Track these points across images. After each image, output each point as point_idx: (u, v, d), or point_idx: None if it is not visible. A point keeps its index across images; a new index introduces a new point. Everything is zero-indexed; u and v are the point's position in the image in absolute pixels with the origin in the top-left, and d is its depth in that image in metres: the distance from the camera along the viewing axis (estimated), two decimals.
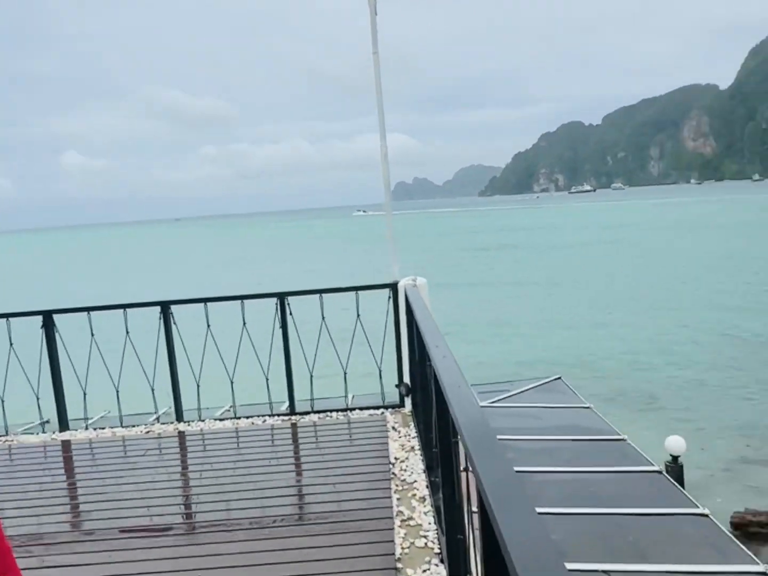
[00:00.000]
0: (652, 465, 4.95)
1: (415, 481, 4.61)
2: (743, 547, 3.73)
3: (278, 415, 6.69)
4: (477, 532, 1.87)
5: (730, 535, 3.93)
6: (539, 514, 1.37)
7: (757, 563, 3.54)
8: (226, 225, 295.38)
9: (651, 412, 18.27)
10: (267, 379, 6.81)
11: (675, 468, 7.90)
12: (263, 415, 6.65)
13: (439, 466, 3.28)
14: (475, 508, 1.86)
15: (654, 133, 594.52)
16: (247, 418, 6.63)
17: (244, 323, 6.63)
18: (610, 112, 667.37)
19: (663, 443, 8.06)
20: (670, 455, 8.06)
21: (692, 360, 23.65)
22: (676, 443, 8.03)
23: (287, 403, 6.81)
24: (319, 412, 6.60)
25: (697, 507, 4.22)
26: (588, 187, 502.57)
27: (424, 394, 4.35)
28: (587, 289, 40.82)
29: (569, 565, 1.22)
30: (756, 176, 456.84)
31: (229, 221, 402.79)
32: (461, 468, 2.70)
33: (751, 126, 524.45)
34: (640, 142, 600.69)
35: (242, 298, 6.71)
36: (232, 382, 6.88)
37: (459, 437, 2.15)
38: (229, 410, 6.99)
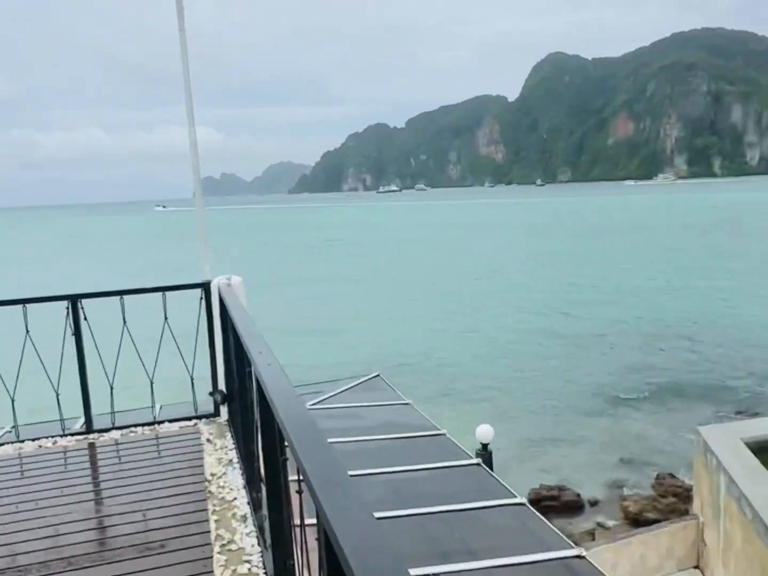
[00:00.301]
0: (471, 458, 5.04)
1: (235, 498, 4.21)
2: (560, 533, 3.87)
3: (72, 434, 5.82)
4: (309, 550, 1.74)
5: (547, 522, 4.06)
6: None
7: (574, 546, 3.69)
8: (5, 218, 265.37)
9: (463, 404, 19.32)
10: (57, 394, 5.89)
11: (485, 455, 8.26)
12: (53, 436, 5.75)
13: (264, 480, 2.97)
14: (308, 521, 1.76)
15: (452, 139, 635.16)
16: (33, 440, 5.67)
17: (27, 331, 5.71)
18: (413, 116, 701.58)
19: (475, 432, 8.45)
20: (480, 443, 8.41)
21: (495, 354, 25.46)
22: (485, 432, 8.40)
23: (83, 420, 5.94)
24: (121, 427, 5.87)
25: (515, 497, 4.33)
26: (394, 187, 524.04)
27: (244, 403, 3.99)
28: (401, 286, 42.38)
29: (412, 572, 1.09)
30: (539, 181, 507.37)
31: (9, 214, 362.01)
32: (290, 480, 2.45)
33: (534, 136, 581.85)
34: (441, 146, 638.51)
35: (25, 302, 5.78)
36: (12, 400, 5.85)
37: (288, 447, 1.96)
38: (10, 431, 5.97)
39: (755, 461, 8.42)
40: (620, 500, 14.18)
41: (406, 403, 6.38)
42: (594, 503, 14.24)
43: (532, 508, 4.24)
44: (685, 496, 14.10)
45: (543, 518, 4.12)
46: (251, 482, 4.07)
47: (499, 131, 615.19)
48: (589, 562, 3.60)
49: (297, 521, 2.15)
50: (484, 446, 8.29)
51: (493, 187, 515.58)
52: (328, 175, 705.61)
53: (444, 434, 5.52)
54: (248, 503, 4.08)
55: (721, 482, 8.46)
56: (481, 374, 22.40)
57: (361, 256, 61.56)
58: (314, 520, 1.49)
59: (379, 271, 49.50)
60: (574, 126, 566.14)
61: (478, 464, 4.90)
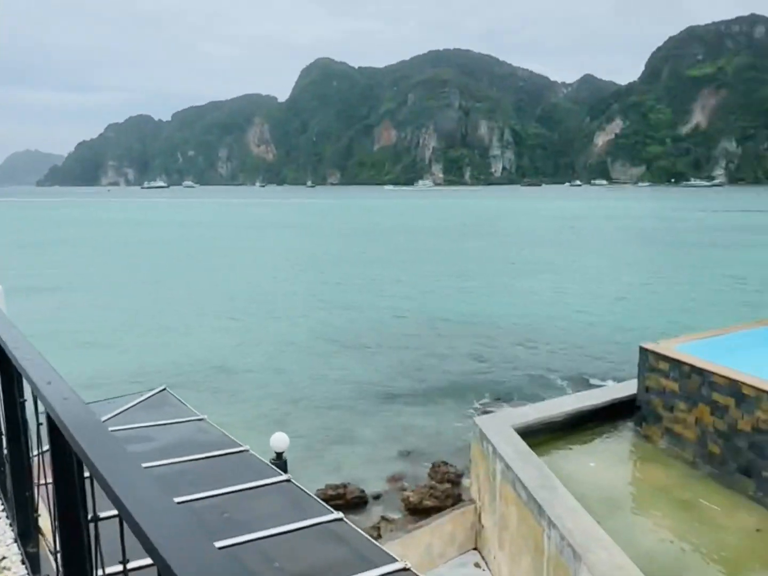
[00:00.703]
0: (280, 474, 4.76)
1: (4, 558, 3.43)
2: (384, 548, 3.78)
3: None
4: None
5: (366, 535, 3.95)
6: None
7: (399, 560, 3.61)
8: None
9: (252, 412, 18.76)
10: None
11: (280, 464, 7.99)
12: None
13: (57, 528, 2.40)
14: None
15: (222, 135, 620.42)
16: None
17: None
18: (179, 110, 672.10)
19: (269, 441, 8.13)
20: (275, 452, 8.12)
21: (278, 358, 25.16)
22: (279, 440, 8.14)
23: None
24: None
25: (332, 512, 4.15)
26: (161, 183, 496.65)
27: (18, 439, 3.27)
28: (167, 289, 40.07)
29: None
30: (309, 183, 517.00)
31: None
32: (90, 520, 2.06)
33: (304, 138, 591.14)
34: (210, 142, 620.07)
35: None
36: None
37: (94, 484, 1.72)
38: None
39: (524, 446, 9.26)
40: (401, 491, 14.81)
41: (200, 419, 5.88)
42: (377, 497, 14.70)
43: (351, 524, 4.09)
44: (457, 481, 15.17)
45: (363, 533, 4.00)
46: (25, 535, 3.34)
47: (269, 131, 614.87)
48: None
49: None
50: (279, 455, 8.01)
51: (265, 186, 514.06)
52: (84, 168, 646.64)
53: (247, 450, 5.17)
54: (23, 562, 3.29)
55: (497, 468, 9.16)
56: (267, 380, 22.02)
57: (122, 256, 57.25)
58: None
59: (143, 274, 46.40)
60: (343, 130, 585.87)
61: (288, 480, 4.64)
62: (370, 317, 31.12)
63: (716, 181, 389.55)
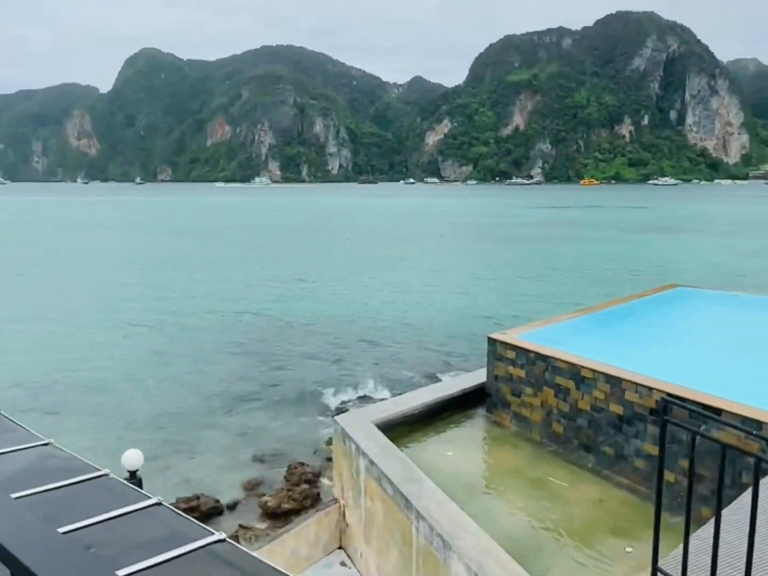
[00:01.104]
0: (150, 497, 4.37)
1: None
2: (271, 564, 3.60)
3: None
4: None
5: (254, 554, 3.74)
6: None
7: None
8: None
9: (97, 427, 17.28)
10: None
11: (136, 483, 7.41)
12: None
13: None
14: None
15: (36, 128, 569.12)
16: None
17: None
18: None
19: (121, 459, 7.49)
20: (128, 470, 7.51)
21: (118, 368, 23.47)
22: (132, 457, 7.53)
23: None
24: None
25: (213, 534, 3.89)
26: None
27: None
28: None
29: None
30: (138, 179, 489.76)
31: None
32: None
33: (131, 132, 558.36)
34: (21, 135, 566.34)
35: None
36: None
37: None
38: None
39: (386, 440, 9.37)
40: (258, 497, 14.44)
41: (46, 443, 5.25)
42: (233, 506, 14.20)
43: (234, 543, 3.85)
44: (315, 480, 15.08)
45: (248, 551, 3.77)
46: None
47: (91, 123, 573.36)
48: None
49: None
50: (133, 473, 7.41)
51: (88, 183, 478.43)
52: None
53: (106, 474, 4.69)
54: None
55: (361, 465, 9.19)
56: (108, 394, 20.43)
57: None
58: None
59: None
60: (173, 125, 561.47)
61: (158, 503, 4.27)
62: (213, 321, 30.04)
63: (534, 180, 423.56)
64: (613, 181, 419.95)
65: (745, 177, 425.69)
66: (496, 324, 25.99)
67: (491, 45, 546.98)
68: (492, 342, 11.03)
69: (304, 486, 14.61)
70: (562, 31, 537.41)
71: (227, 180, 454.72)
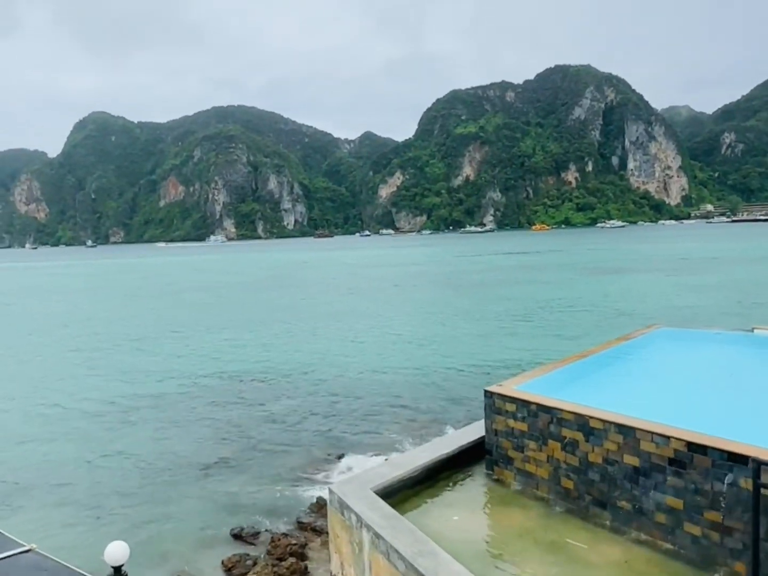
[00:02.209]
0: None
1: None
2: None
3: None
4: None
5: None
6: None
7: None
8: None
9: (63, 523, 15.98)
10: None
11: None
12: None
13: None
14: None
15: None
16: None
17: None
18: None
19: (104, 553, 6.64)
20: (112, 567, 6.67)
21: (70, 436, 22.13)
22: (117, 550, 6.69)
23: None
24: None
25: None
26: None
27: None
28: None
29: None
30: (90, 242, 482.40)
31: None
32: None
33: (81, 195, 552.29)
34: None
35: None
36: None
37: None
38: None
39: (390, 510, 8.69)
40: None
41: (27, 550, 4.52)
42: None
43: None
44: (302, 553, 14.13)
45: None
46: None
47: (39, 188, 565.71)
48: None
49: None
50: (117, 569, 6.57)
51: (37, 248, 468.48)
52: None
53: (32, 549, 4.01)
54: None
55: (365, 538, 8.47)
56: (70, 476, 19.07)
57: None
58: None
59: None
60: (125, 187, 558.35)
61: None
62: (176, 385, 28.82)
63: (488, 228, 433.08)
64: (563, 226, 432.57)
65: (688, 217, 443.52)
66: (484, 374, 25.59)
67: (438, 99, 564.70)
68: (489, 395, 10.54)
69: (291, 560, 13.66)
70: (505, 85, 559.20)
71: (183, 239, 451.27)
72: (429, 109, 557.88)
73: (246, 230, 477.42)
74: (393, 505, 9.00)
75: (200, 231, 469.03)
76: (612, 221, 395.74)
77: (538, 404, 9.67)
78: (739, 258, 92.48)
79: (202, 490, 17.54)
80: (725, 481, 7.45)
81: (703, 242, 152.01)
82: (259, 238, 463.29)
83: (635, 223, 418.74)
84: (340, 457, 19.23)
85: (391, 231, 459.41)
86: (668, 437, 7.98)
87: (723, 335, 14.60)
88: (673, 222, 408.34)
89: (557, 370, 11.60)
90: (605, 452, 8.75)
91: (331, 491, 9.53)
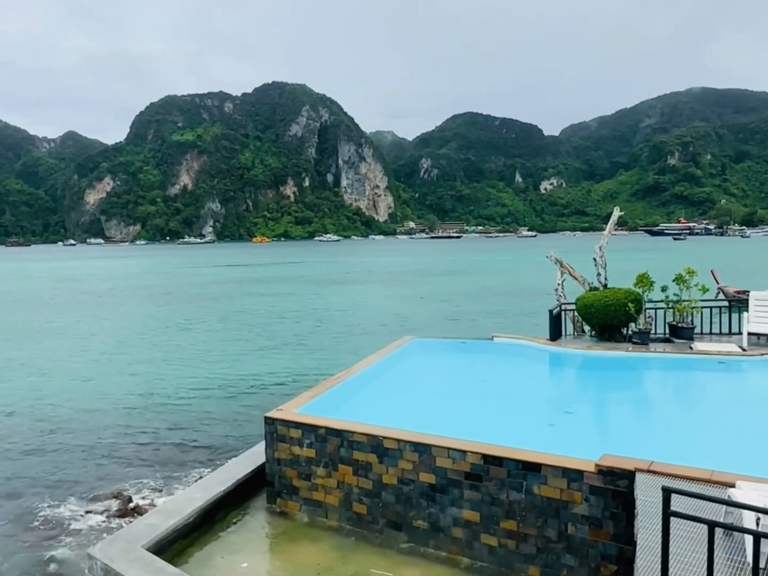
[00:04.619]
0: None
1: None
2: None
3: None
4: None
5: None
6: None
7: None
8: None
9: None
10: None
11: None
12: None
13: None
14: None
15: None
16: None
17: None
18: None
19: None
20: None
21: None
22: None
23: None
24: None
25: None
26: None
27: None
28: None
29: None
30: None
31: None
32: None
33: None
34: None
35: None
36: None
37: None
38: None
39: (174, 569, 7.42)
40: None
41: None
42: None
43: None
44: None
45: None
46: None
47: None
48: None
49: None
50: None
51: None
52: None
53: None
54: None
55: None
56: None
57: None
58: None
59: None
60: None
61: None
62: None
63: (207, 239, 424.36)
64: (282, 239, 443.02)
65: (394, 233, 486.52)
66: (236, 395, 24.15)
67: (152, 103, 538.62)
68: (271, 422, 9.74)
69: None
70: (223, 95, 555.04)
71: None
72: (142, 113, 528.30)
73: None
74: (171, 561, 7.74)
75: None
76: (329, 235, 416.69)
77: (327, 428, 9.18)
78: (437, 271, 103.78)
79: None
80: (522, 490, 7.75)
81: (409, 256, 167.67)
82: None
83: (349, 237, 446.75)
84: (81, 498, 16.49)
85: (101, 240, 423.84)
86: (465, 452, 8.08)
87: (469, 344, 15.74)
88: (381, 237, 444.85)
89: (334, 388, 11.26)
90: (400, 472, 8.59)
91: (90, 556, 7.85)
